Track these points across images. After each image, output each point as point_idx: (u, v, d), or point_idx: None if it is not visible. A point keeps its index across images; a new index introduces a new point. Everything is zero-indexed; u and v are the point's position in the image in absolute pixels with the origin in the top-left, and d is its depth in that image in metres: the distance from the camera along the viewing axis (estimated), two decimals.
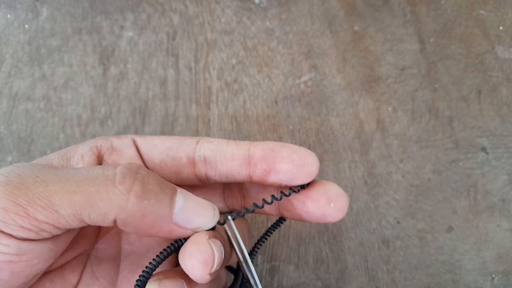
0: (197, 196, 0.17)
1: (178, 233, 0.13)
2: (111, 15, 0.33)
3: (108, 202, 0.12)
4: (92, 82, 0.31)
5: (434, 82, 0.32)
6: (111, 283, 0.16)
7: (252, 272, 0.14)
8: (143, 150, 0.16)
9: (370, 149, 0.29)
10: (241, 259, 0.15)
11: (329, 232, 0.27)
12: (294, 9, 0.34)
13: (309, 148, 0.29)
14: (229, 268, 0.18)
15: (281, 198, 0.15)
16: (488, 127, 0.31)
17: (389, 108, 0.31)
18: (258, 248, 0.17)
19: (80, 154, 0.15)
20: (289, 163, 0.14)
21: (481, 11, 0.35)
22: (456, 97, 0.32)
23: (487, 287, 0.27)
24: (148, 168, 0.14)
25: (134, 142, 0.16)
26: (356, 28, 0.33)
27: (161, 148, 0.16)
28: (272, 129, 0.30)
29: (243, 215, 0.14)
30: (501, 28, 0.34)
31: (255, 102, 0.30)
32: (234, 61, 0.32)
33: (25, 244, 0.12)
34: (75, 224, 0.12)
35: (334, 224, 0.27)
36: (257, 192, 0.17)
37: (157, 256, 0.13)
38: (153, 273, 0.13)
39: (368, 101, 0.31)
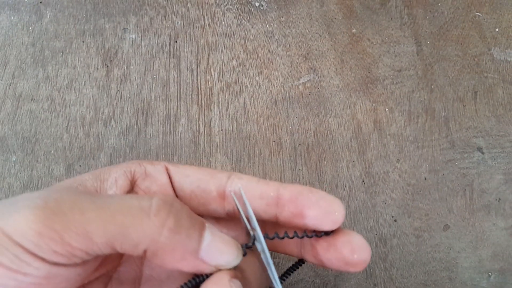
0: (222, 228, 0.17)
1: (202, 268, 0.13)
2: (114, 18, 0.33)
3: (141, 233, 0.12)
4: (95, 83, 0.31)
5: (431, 83, 0.33)
6: None
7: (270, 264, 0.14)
8: (175, 178, 0.16)
9: (368, 149, 0.30)
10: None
11: None
12: (293, 12, 0.34)
13: (307, 148, 0.30)
14: None
15: (302, 237, 0.15)
16: (484, 128, 0.31)
17: (386, 109, 0.31)
18: (285, 277, 0.17)
19: (114, 178, 0.15)
20: (316, 209, 0.14)
21: (478, 13, 0.35)
22: (452, 98, 0.32)
23: (483, 285, 0.27)
24: (177, 197, 0.15)
25: (167, 169, 0.16)
26: (354, 30, 0.34)
27: (192, 179, 0.16)
28: (271, 130, 0.30)
29: (253, 243, 0.14)
30: (497, 30, 0.35)
31: (255, 103, 0.31)
32: (234, 63, 0.32)
33: (55, 268, 0.12)
34: (106, 251, 0.12)
35: None
36: (279, 232, 0.17)
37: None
38: None
39: (365, 102, 0.31)
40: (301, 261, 0.17)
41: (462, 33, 0.34)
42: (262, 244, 0.14)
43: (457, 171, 0.30)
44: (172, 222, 0.12)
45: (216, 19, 0.33)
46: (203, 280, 0.14)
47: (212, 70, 0.32)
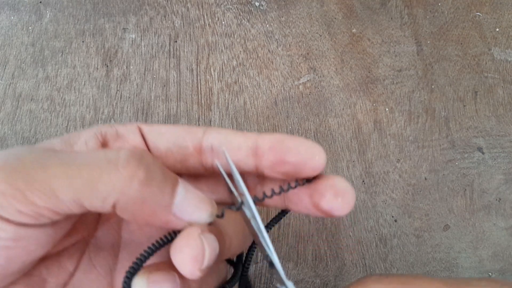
0: (201, 186, 0.16)
1: (174, 224, 0.13)
2: (114, 18, 0.33)
3: (110, 186, 0.11)
4: (95, 83, 0.31)
5: (431, 83, 0.33)
6: (109, 272, 0.15)
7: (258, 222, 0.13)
8: (149, 137, 0.16)
9: (368, 149, 0.30)
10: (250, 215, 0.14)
11: (327, 230, 0.28)
12: (293, 12, 0.34)
13: None
14: (228, 261, 0.18)
15: (288, 189, 0.14)
16: (484, 127, 0.31)
17: (386, 109, 0.31)
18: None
19: (84, 140, 0.15)
20: (296, 155, 0.14)
21: (478, 13, 0.35)
22: (453, 98, 0.32)
23: None
24: (153, 156, 0.14)
25: (140, 129, 0.16)
26: (354, 30, 0.34)
27: (167, 136, 0.15)
28: (271, 130, 0.30)
29: (239, 208, 0.14)
30: (497, 29, 0.35)
31: (255, 103, 0.31)
32: (234, 63, 0.32)
33: (22, 230, 0.11)
34: (75, 209, 0.12)
35: (332, 222, 0.28)
36: (261, 184, 0.17)
37: (148, 247, 0.13)
38: (145, 265, 0.13)
39: (365, 102, 0.31)
40: (284, 211, 0.17)
41: (462, 33, 0.34)
42: (252, 211, 0.14)
43: (457, 171, 0.30)
44: (143, 174, 0.12)
45: (216, 19, 0.33)
46: (176, 236, 0.13)
47: (212, 70, 0.32)
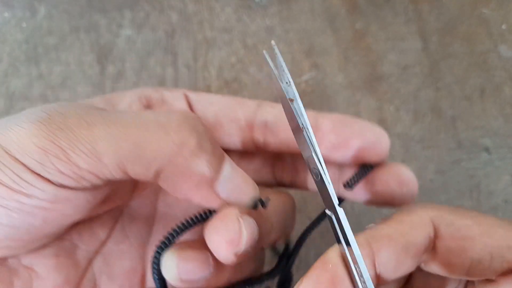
0: (246, 165, 0.16)
1: (214, 202, 0.12)
2: (109, 13, 0.32)
3: (158, 152, 0.11)
4: (89, 81, 0.30)
5: (437, 81, 0.32)
6: (142, 245, 0.15)
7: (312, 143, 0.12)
8: (197, 106, 0.14)
9: None
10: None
11: (330, 234, 0.27)
12: (295, 7, 0.33)
13: None
14: (273, 250, 0.17)
15: (362, 177, 0.13)
16: (491, 127, 0.31)
17: (391, 108, 0.31)
18: (309, 232, 0.16)
19: (128, 102, 0.14)
20: (362, 139, 0.13)
21: (484, 10, 0.34)
22: (459, 97, 0.31)
23: None
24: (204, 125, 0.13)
25: (187, 97, 0.15)
26: (357, 26, 0.33)
27: (217, 106, 0.14)
28: None
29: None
30: (504, 27, 0.34)
31: None
32: (233, 59, 0.32)
33: (61, 192, 0.11)
34: (117, 175, 0.11)
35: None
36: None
37: (182, 223, 0.12)
38: (179, 241, 0.12)
39: (370, 100, 0.31)
40: (340, 200, 0.16)
41: (468, 29, 0.34)
42: (294, 93, 0.12)
43: (464, 172, 0.29)
44: (194, 142, 0.11)
45: (214, 14, 0.33)
46: (211, 216, 0.12)
47: (210, 67, 0.31)
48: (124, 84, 0.30)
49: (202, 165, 0.11)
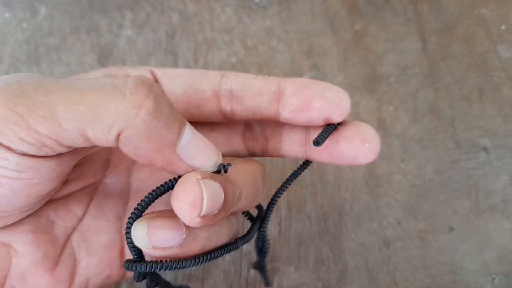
0: (216, 135, 0.16)
1: (177, 167, 0.12)
2: (110, 14, 0.32)
3: (115, 114, 0.11)
4: None
5: (436, 82, 0.32)
6: (118, 219, 0.15)
7: None
8: (163, 81, 0.15)
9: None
10: None
11: (329, 232, 0.27)
12: (295, 8, 0.33)
13: None
14: (248, 217, 0.17)
15: (328, 134, 0.13)
16: (490, 127, 0.31)
17: (390, 108, 0.31)
18: (281, 194, 0.16)
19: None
20: (323, 100, 0.13)
21: (483, 10, 0.34)
22: (458, 97, 0.32)
23: (488, 287, 0.27)
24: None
25: (152, 73, 0.15)
26: (357, 26, 0.33)
27: (182, 79, 0.14)
28: None
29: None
30: (503, 27, 0.34)
31: None
32: (233, 60, 0.32)
33: (25, 160, 0.11)
34: (78, 141, 0.11)
35: (334, 224, 0.27)
36: (280, 134, 0.16)
37: (149, 193, 0.12)
38: (150, 211, 0.12)
39: (369, 100, 0.31)
40: (307, 162, 0.16)
41: (467, 30, 0.34)
42: None
43: (462, 172, 0.29)
44: (151, 104, 0.11)
45: (215, 14, 0.33)
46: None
47: (210, 67, 0.31)
48: None
49: (160, 127, 0.11)
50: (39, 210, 0.13)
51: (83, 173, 0.14)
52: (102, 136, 0.11)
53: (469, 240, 0.28)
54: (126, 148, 0.11)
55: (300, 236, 0.27)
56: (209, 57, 0.32)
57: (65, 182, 0.14)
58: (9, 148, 0.11)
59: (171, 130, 0.11)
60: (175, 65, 0.31)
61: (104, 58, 0.31)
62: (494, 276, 0.27)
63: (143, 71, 0.15)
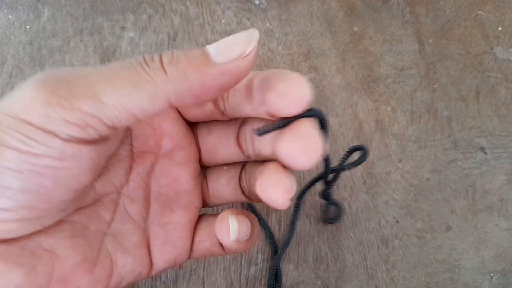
0: (214, 138, 0.17)
1: (225, 69, 0.12)
2: (112, 16, 0.33)
3: (153, 83, 0.11)
4: None
5: (433, 83, 0.32)
6: (143, 221, 0.16)
7: None
8: None
9: (369, 149, 0.30)
10: None
11: (328, 231, 0.27)
12: (294, 10, 0.34)
13: None
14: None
15: (273, 128, 0.13)
16: (487, 127, 0.31)
17: (388, 108, 0.31)
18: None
19: None
20: (277, 94, 0.13)
21: (480, 12, 0.35)
22: (455, 97, 0.32)
23: (485, 286, 0.27)
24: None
25: None
26: (355, 29, 0.34)
27: None
28: None
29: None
30: (499, 28, 0.34)
31: None
32: None
33: (68, 147, 0.11)
34: (122, 117, 0.11)
35: (334, 223, 0.27)
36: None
37: (271, 126, 0.13)
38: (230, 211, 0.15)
39: (367, 101, 0.31)
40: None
41: (464, 31, 0.34)
42: None
43: (459, 172, 0.30)
44: (173, 60, 0.12)
45: (216, 17, 0.33)
46: (288, 123, 0.13)
47: None
48: None
49: (191, 63, 0.12)
50: (73, 217, 0.14)
51: (109, 179, 0.15)
52: (149, 107, 0.11)
53: (467, 239, 0.28)
54: (180, 102, 0.12)
55: (299, 234, 0.27)
56: None
57: (93, 187, 0.15)
58: (53, 134, 0.11)
59: (199, 57, 0.12)
60: None
61: (107, 59, 0.31)
62: (492, 274, 0.27)
63: None
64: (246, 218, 0.15)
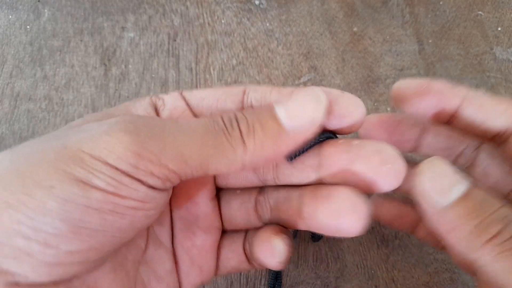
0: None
1: (296, 135, 0.13)
2: (112, 16, 0.33)
3: (233, 152, 0.12)
4: (93, 82, 0.31)
5: None
6: (171, 248, 0.16)
7: None
8: (192, 103, 0.16)
9: None
10: None
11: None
12: (294, 11, 0.34)
13: None
14: None
15: (311, 146, 0.13)
16: None
17: (388, 109, 0.31)
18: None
19: (143, 109, 0.15)
20: (332, 113, 0.14)
21: (480, 12, 0.35)
22: None
23: None
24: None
25: (183, 96, 0.16)
26: (355, 29, 0.34)
27: (209, 101, 0.16)
28: None
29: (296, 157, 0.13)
30: (499, 29, 0.34)
31: None
32: (234, 62, 0.32)
33: (150, 192, 0.12)
34: (197, 174, 0.13)
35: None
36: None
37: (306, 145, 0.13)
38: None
39: (367, 101, 0.31)
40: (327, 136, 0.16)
41: (464, 32, 0.34)
42: None
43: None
44: (250, 129, 0.13)
45: (216, 17, 0.33)
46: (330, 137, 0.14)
47: (211, 69, 0.32)
48: (127, 85, 0.31)
49: (267, 122, 0.13)
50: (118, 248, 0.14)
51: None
52: (227, 164, 0.13)
53: None
54: (257, 164, 0.13)
55: (299, 234, 0.27)
56: (210, 59, 0.32)
57: None
58: (140, 181, 0.12)
59: (270, 121, 0.13)
60: (176, 66, 0.32)
61: (107, 59, 0.32)
62: None
63: (176, 94, 0.16)
64: (288, 236, 0.15)
